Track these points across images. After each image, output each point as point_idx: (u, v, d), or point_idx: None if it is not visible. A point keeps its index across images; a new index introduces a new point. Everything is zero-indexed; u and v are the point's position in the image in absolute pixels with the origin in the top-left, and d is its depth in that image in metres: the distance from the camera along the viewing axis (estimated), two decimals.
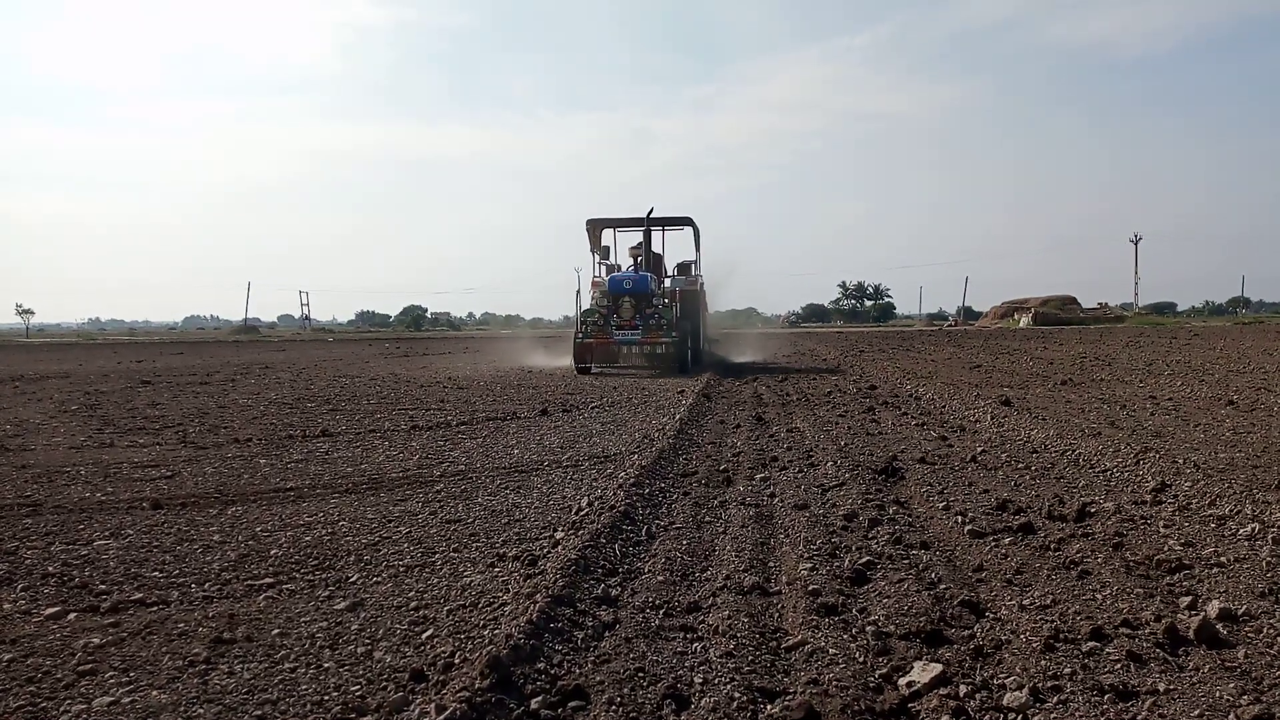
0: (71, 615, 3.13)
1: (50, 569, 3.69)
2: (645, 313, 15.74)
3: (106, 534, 4.28)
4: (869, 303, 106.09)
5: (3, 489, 5.41)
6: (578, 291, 16.75)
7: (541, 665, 2.52)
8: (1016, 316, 63.87)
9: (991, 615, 2.99)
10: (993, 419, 7.85)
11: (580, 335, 15.64)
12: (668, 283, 17.67)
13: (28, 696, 2.49)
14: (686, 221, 18.07)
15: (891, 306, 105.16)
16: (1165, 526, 4.06)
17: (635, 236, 17.59)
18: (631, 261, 17.23)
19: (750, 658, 2.65)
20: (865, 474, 5.40)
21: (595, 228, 18.28)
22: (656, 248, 17.97)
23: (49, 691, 2.52)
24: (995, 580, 3.36)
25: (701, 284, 18.17)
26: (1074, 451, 6.00)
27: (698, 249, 18.46)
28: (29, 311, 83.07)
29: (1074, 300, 65.74)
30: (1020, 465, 5.69)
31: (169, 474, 5.87)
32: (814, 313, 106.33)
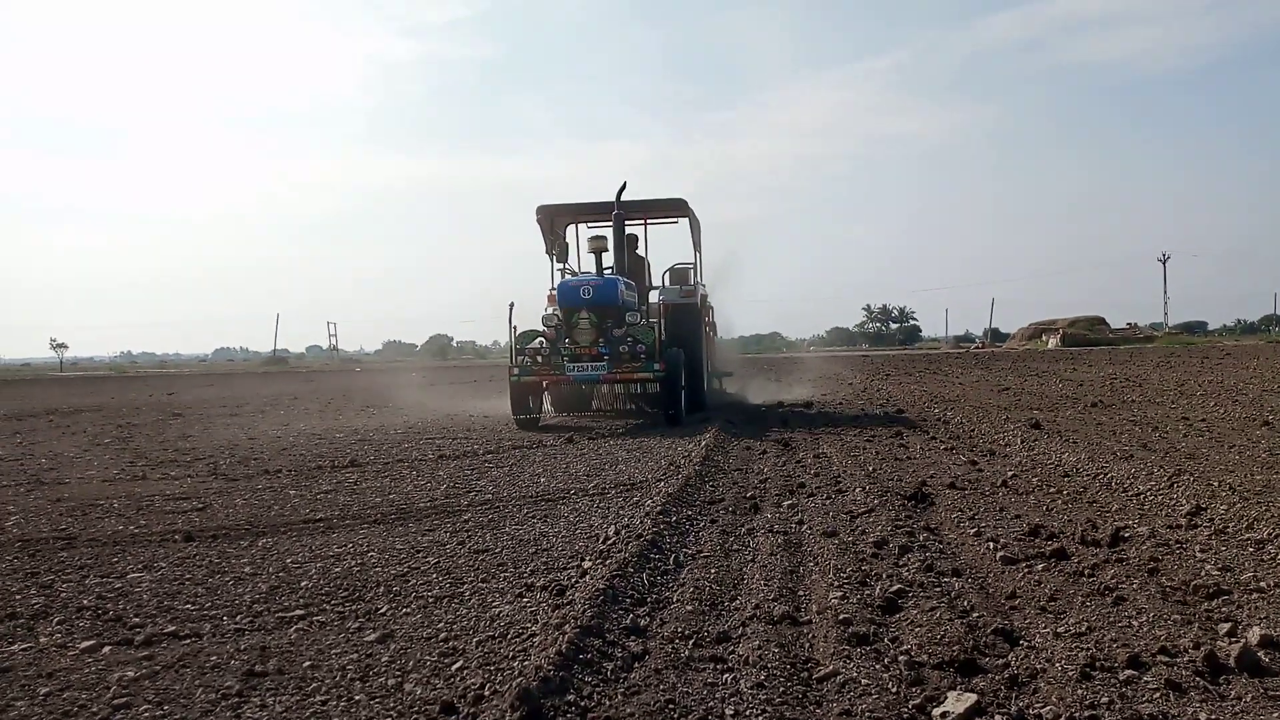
0: (106, 648, 3.16)
1: (85, 602, 3.74)
2: (613, 335, 10.80)
3: (140, 567, 4.33)
4: (894, 325, 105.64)
5: (39, 522, 5.49)
6: (511, 305, 11.20)
7: (571, 697, 2.51)
8: (1044, 338, 63.25)
9: (1026, 643, 2.95)
10: (1023, 442, 7.77)
11: (517, 372, 10.76)
12: (654, 295, 12.78)
13: None
14: (679, 208, 12.79)
15: (917, 329, 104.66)
16: (1202, 551, 3.99)
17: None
18: (594, 261, 11.63)
19: (781, 688, 2.63)
20: (894, 500, 5.36)
21: (551, 218, 12.89)
22: (640, 248, 13.28)
23: None
24: (1029, 608, 3.31)
25: (704, 296, 13.18)
26: (1106, 475, 5.92)
27: (697, 248, 13.24)
28: (63, 346, 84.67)
29: (1102, 321, 65.11)
30: (1052, 489, 5.62)
31: (200, 506, 5.93)
32: (839, 336, 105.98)
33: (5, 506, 6.07)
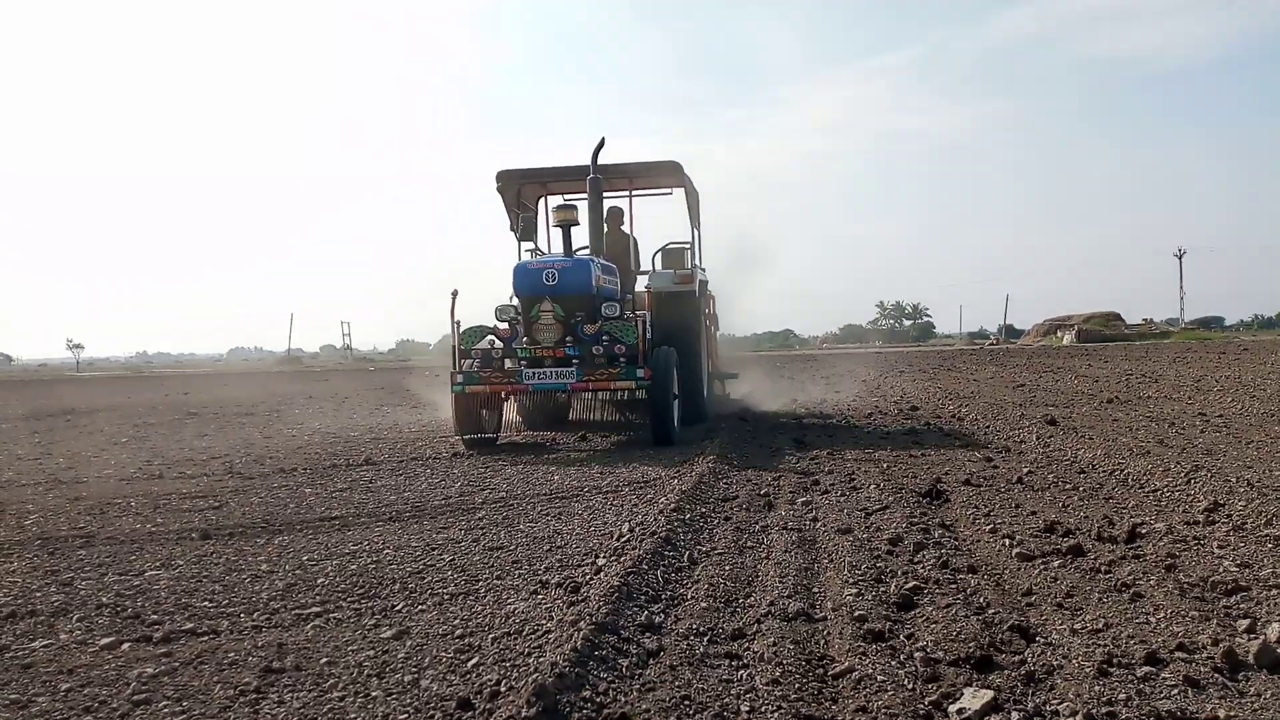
0: (125, 645, 3.19)
1: (104, 599, 3.77)
2: (584, 332, 8.48)
3: (158, 564, 4.36)
4: (908, 322, 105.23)
5: (58, 521, 5.54)
6: (454, 293, 8.67)
7: (587, 693, 2.52)
8: (1059, 334, 62.89)
9: (1042, 640, 2.94)
10: (1038, 439, 7.73)
11: (460, 379, 8.34)
12: (642, 282, 10.51)
13: None
14: (672, 174, 10.23)
15: (931, 326, 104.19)
16: (1219, 547, 3.96)
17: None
18: (562, 236, 8.97)
19: (797, 685, 2.63)
20: (909, 497, 5.34)
21: (517, 187, 10.47)
22: (624, 223, 10.63)
23: None
24: (1045, 604, 3.30)
25: (704, 283, 10.84)
26: (1123, 471, 5.89)
27: (695, 224, 10.79)
28: (79, 346, 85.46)
29: (1118, 316, 64.64)
30: (1068, 486, 5.59)
31: (217, 504, 5.97)
32: (852, 333, 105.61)
33: (24, 505, 6.12)
